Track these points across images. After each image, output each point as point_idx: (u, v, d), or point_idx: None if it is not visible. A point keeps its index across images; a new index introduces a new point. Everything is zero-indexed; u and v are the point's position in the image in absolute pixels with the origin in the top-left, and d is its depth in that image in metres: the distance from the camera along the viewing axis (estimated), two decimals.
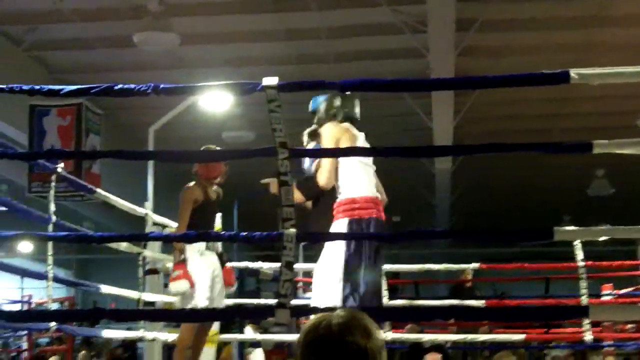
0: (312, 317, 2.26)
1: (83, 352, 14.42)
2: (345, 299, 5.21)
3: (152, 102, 9.97)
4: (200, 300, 6.57)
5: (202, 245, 6.83)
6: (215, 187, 7.06)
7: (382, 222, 5.58)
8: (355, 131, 5.79)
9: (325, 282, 5.35)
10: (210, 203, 6.98)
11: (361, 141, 5.77)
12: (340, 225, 5.44)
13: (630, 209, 23.81)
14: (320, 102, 5.95)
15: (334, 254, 5.34)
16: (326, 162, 5.53)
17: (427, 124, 15.36)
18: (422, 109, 15.13)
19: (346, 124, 5.77)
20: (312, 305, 5.10)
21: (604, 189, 20.51)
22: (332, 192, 5.73)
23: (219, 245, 7.04)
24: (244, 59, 14.47)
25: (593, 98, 15.77)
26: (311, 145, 5.82)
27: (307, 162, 5.92)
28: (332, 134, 5.64)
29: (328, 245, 5.41)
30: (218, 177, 7.00)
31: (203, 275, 6.71)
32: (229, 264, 7.26)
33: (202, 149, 6.72)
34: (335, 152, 5.68)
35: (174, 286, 6.59)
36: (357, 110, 5.87)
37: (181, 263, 6.62)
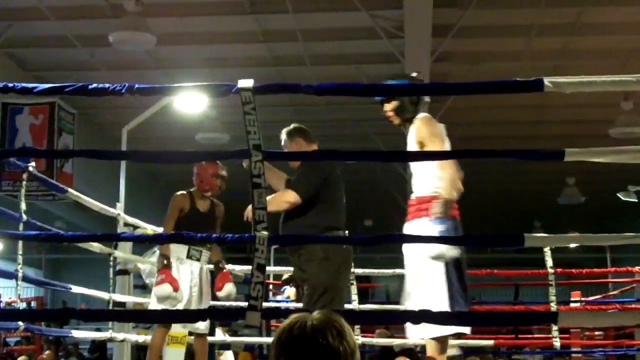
0: (289, 318, 2.27)
1: (48, 351, 14.33)
2: (452, 304, 5.01)
3: (127, 102, 9.99)
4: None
5: (182, 253, 6.86)
6: (210, 200, 7.07)
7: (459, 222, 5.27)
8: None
9: (428, 288, 5.11)
10: (198, 214, 6.99)
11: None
12: (426, 224, 5.15)
13: (600, 217, 24.05)
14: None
15: (429, 259, 5.06)
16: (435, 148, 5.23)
17: (401, 129, 15.38)
18: None
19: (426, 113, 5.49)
20: (283, 308, 5.08)
21: (575, 197, 20.67)
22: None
23: (205, 254, 7.01)
24: (221, 60, 14.46)
25: (569, 106, 15.88)
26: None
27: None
28: (433, 129, 5.37)
29: (418, 247, 5.15)
30: (208, 191, 7.02)
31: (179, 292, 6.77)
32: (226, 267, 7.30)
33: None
34: (312, 155, 5.66)
35: (158, 290, 6.60)
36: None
37: (165, 268, 6.64)
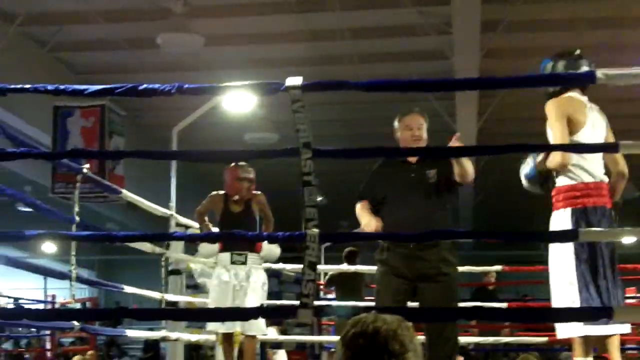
0: (360, 316, 2.31)
1: (91, 351, 14.42)
2: (581, 298, 4.83)
3: (175, 103, 10.00)
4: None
5: (226, 260, 6.98)
6: (244, 200, 7.19)
7: (609, 211, 5.03)
8: (583, 99, 5.20)
9: (560, 282, 4.97)
10: (231, 215, 7.15)
11: (590, 107, 5.19)
12: (561, 216, 5.00)
13: None
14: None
15: (564, 251, 4.93)
16: (558, 140, 4.98)
17: (451, 126, 15.33)
18: (446, 110, 15.08)
19: (572, 93, 5.20)
20: (339, 305, 5.04)
21: (629, 192, 20.41)
22: None
23: (253, 257, 7.09)
24: (267, 60, 14.49)
25: (615, 100, 15.68)
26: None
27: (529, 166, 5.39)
28: (555, 111, 5.08)
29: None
30: (236, 195, 7.13)
31: (221, 289, 6.87)
32: None
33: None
34: (363, 153, 5.62)
35: (203, 247, 6.80)
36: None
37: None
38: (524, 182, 5.42)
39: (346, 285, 11.26)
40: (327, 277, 11.77)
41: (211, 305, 7.04)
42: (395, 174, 5.82)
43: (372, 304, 8.06)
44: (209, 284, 7.41)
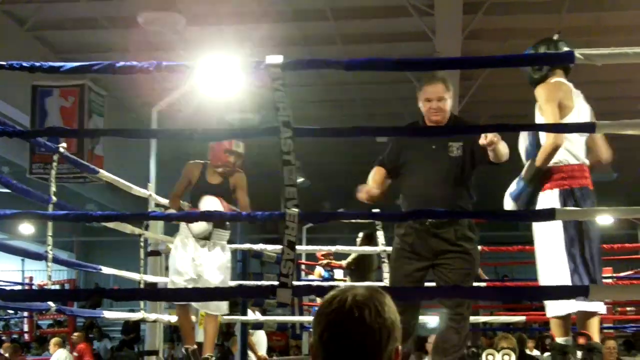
0: (334, 289, 2.28)
1: (78, 333, 14.42)
2: (572, 277, 4.85)
3: (156, 83, 9.97)
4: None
5: (187, 232, 6.83)
6: (226, 174, 6.99)
7: (591, 192, 5.06)
8: (570, 85, 5.25)
9: (549, 262, 5.00)
10: (208, 186, 6.91)
11: (576, 94, 5.23)
12: (549, 197, 5.03)
13: (630, 193, 23.86)
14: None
15: (553, 231, 4.94)
16: (551, 120, 4.97)
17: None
18: None
19: (559, 79, 5.25)
20: (318, 285, 5.02)
21: (607, 173, 20.50)
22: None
23: (219, 232, 6.95)
24: (251, 39, 14.40)
25: (599, 82, 15.71)
26: None
27: (524, 142, 5.35)
28: (547, 95, 5.11)
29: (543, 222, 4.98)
30: (220, 167, 6.94)
31: (181, 264, 6.76)
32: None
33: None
34: (342, 132, 5.57)
35: (195, 226, 6.65)
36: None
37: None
38: (510, 205, 5.38)
39: (362, 268, 11.16)
40: (348, 260, 11.59)
41: (172, 273, 6.87)
42: (418, 142, 5.55)
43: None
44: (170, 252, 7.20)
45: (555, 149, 4.97)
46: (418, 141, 5.52)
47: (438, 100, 5.46)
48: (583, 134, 5.12)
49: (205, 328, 7.00)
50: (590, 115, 5.21)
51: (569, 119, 5.06)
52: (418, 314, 5.52)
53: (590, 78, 15.58)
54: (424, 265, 5.39)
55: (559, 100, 5.06)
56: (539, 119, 5.17)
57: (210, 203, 6.63)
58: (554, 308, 5.01)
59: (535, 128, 5.01)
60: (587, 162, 5.13)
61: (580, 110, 5.16)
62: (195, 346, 6.93)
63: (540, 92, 5.11)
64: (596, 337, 4.94)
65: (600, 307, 4.94)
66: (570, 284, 4.80)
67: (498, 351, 8.36)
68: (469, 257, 5.38)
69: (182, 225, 6.89)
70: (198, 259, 6.77)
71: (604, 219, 9.46)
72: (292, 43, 14.45)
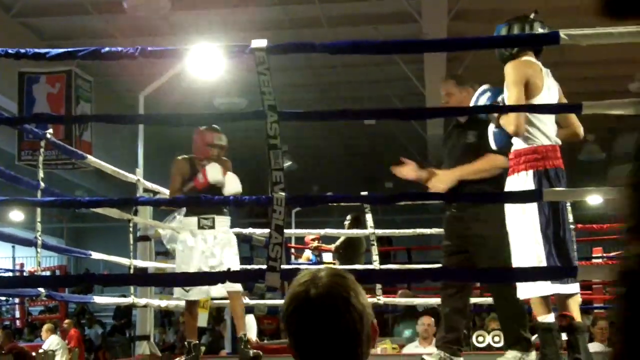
0: (300, 274, 2.22)
1: (68, 320, 14.44)
2: (547, 259, 4.82)
3: (144, 69, 9.95)
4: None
5: (193, 226, 6.81)
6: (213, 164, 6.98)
7: (563, 172, 5.06)
8: (539, 63, 5.22)
9: (523, 244, 4.97)
10: None
11: (545, 72, 5.20)
12: (523, 178, 5.00)
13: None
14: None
15: (527, 212, 4.92)
16: (513, 102, 4.97)
17: (419, 90, 15.35)
18: (414, 74, 15.09)
19: (529, 57, 5.21)
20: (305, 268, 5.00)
21: (595, 154, 20.57)
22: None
23: (221, 219, 6.92)
24: (237, 24, 14.39)
25: (588, 63, 15.75)
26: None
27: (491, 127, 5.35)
28: (515, 74, 5.04)
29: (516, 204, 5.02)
30: (203, 160, 6.92)
31: (191, 257, 6.74)
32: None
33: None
34: (327, 115, 5.64)
35: (211, 174, 6.67)
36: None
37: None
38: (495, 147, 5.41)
39: (351, 250, 11.22)
40: (337, 244, 11.64)
41: (177, 271, 6.91)
42: (448, 134, 6.17)
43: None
44: (176, 249, 7.26)
45: (515, 135, 4.98)
46: (450, 132, 6.15)
47: (446, 95, 6.04)
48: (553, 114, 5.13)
49: (233, 308, 6.91)
50: (559, 94, 5.23)
51: (540, 99, 5.04)
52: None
53: (580, 59, 15.73)
54: (453, 248, 5.86)
55: (528, 78, 5.04)
56: (505, 96, 5.16)
57: (214, 169, 6.73)
58: (528, 290, 5.01)
59: (524, 109, 5.01)
60: (559, 142, 5.13)
61: (550, 88, 5.16)
62: (197, 341, 6.98)
63: (509, 70, 5.09)
64: (577, 317, 4.96)
65: (576, 288, 4.96)
66: (545, 264, 4.80)
67: (488, 332, 8.42)
68: (484, 240, 5.66)
69: (180, 222, 6.92)
70: (207, 251, 6.78)
71: (594, 198, 9.51)
72: (278, 27, 14.45)
